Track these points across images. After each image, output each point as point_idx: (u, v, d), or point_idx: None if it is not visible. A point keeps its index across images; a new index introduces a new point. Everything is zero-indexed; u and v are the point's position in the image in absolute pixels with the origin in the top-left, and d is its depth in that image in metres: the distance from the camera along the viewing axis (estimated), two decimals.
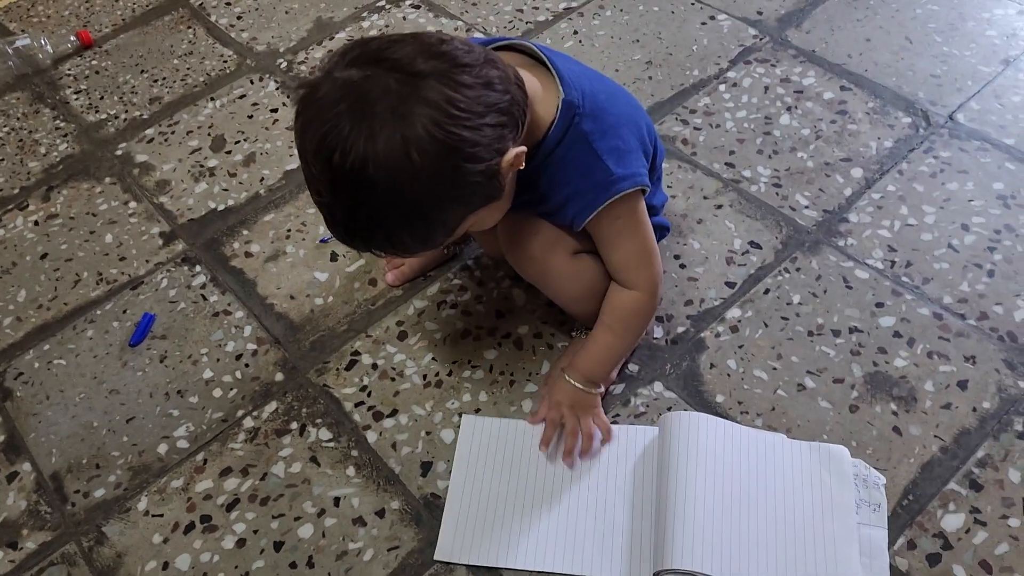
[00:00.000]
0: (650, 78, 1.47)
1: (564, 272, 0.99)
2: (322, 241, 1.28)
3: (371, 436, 1.05)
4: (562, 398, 1.01)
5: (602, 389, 1.03)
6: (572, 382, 1.00)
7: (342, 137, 0.75)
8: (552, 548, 0.93)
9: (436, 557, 0.94)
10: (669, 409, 1.03)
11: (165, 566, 0.97)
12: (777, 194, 1.26)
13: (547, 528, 0.95)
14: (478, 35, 1.61)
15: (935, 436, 0.98)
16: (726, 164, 1.31)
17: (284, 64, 1.61)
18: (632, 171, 0.91)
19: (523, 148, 0.84)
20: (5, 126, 1.56)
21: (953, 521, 0.92)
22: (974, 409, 1.00)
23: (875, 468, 0.95)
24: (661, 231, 1.13)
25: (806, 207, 1.23)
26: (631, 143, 0.93)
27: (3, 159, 1.50)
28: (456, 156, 0.77)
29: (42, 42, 1.66)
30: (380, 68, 0.76)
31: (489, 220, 0.91)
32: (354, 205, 0.79)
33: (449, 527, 0.96)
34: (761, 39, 1.51)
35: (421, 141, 0.75)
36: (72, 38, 1.69)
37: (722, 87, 1.43)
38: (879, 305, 1.11)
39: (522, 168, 0.86)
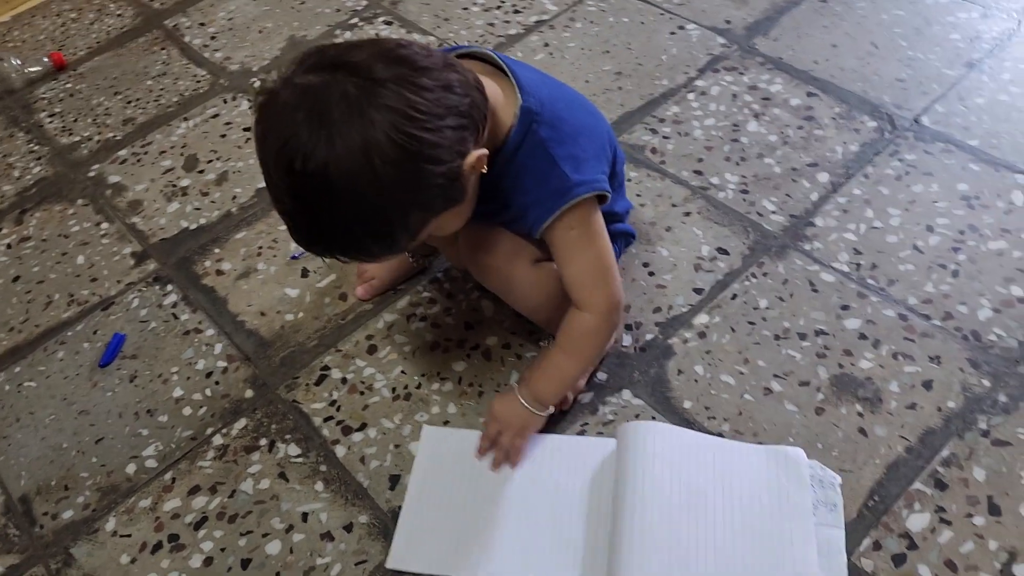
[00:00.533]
0: (620, 88, 1.48)
1: (526, 281, 1.00)
2: (293, 258, 1.28)
3: (340, 451, 1.05)
4: (505, 414, 1.00)
5: (551, 410, 1.01)
6: (521, 400, 0.99)
7: (301, 143, 0.75)
8: (506, 559, 0.93)
9: (388, 565, 0.94)
10: (637, 416, 1.04)
11: None
12: (745, 200, 1.26)
13: (502, 539, 0.94)
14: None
15: (900, 436, 0.98)
16: (694, 172, 1.32)
17: (257, 83, 1.62)
18: (589, 177, 0.91)
19: (485, 151, 0.84)
20: None
21: (919, 521, 0.92)
22: (939, 409, 1.00)
23: (832, 469, 0.95)
24: (626, 238, 1.14)
25: (773, 212, 1.24)
26: (588, 151, 0.93)
27: None
28: (417, 159, 0.77)
29: (13, 61, 1.67)
30: (339, 73, 0.76)
31: (452, 224, 0.91)
32: (315, 211, 0.79)
33: (403, 535, 0.96)
34: (729, 47, 1.52)
35: (381, 144, 0.75)
36: (45, 59, 1.70)
37: (691, 96, 1.44)
38: (845, 308, 1.11)
39: (485, 172, 0.86)
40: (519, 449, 1.00)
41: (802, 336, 1.09)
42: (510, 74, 0.91)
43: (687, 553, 0.87)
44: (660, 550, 0.87)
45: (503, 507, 0.97)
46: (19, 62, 1.68)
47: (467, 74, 0.83)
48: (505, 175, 0.91)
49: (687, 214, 1.26)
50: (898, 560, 0.89)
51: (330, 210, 0.79)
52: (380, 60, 0.77)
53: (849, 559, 0.89)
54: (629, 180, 1.31)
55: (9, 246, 1.38)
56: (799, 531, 0.88)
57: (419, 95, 0.77)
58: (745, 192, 1.27)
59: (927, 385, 1.03)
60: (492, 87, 0.89)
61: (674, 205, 1.27)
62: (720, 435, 1.01)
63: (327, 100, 0.75)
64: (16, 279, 1.33)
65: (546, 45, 1.59)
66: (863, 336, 1.08)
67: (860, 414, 1.01)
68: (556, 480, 0.98)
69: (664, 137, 1.38)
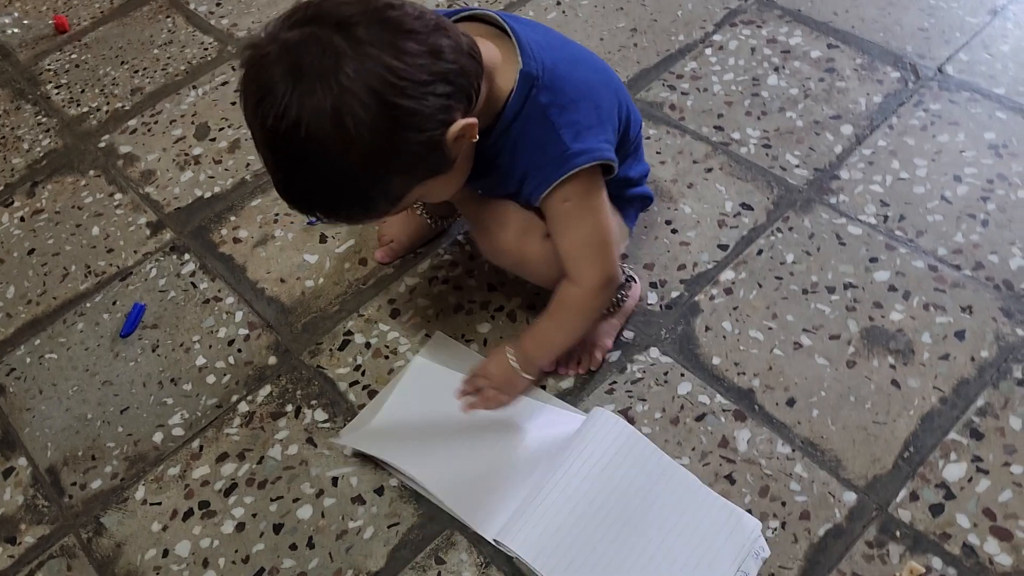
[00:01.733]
0: (635, 45, 1.45)
1: (539, 257, 0.97)
2: (309, 223, 1.27)
3: None
4: (493, 370, 1.01)
5: (533, 378, 1.01)
6: (509, 359, 0.99)
7: (276, 99, 0.73)
8: (440, 474, 0.95)
9: (335, 439, 1.01)
10: (666, 375, 1.03)
11: (165, 553, 0.96)
12: (767, 155, 1.24)
13: (445, 456, 0.97)
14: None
15: (934, 387, 0.97)
16: (715, 127, 1.29)
17: None
18: (589, 146, 0.88)
19: (473, 120, 0.81)
20: None
21: (955, 471, 0.91)
22: (972, 359, 0.99)
23: (863, 425, 0.94)
24: (643, 200, 1.11)
25: (797, 166, 1.22)
26: (592, 118, 0.90)
27: None
28: (393, 125, 0.75)
29: (11, 16, 1.64)
30: (321, 30, 0.74)
31: (441, 192, 0.90)
32: (290, 169, 0.78)
33: (363, 419, 1.02)
34: (746, 1, 1.49)
35: (355, 108, 0.73)
36: (48, 22, 1.67)
37: (708, 51, 1.42)
38: (873, 260, 1.10)
39: (476, 140, 0.83)
40: (496, 401, 1.01)
41: (831, 290, 1.08)
42: (512, 36, 0.88)
43: (574, 547, 0.88)
44: (546, 532, 0.88)
45: (463, 432, 1.00)
46: (18, 16, 1.64)
47: (460, 39, 0.80)
48: (504, 142, 0.89)
49: (709, 170, 1.24)
50: (936, 510, 0.89)
51: (304, 169, 0.78)
52: (365, 19, 0.75)
53: (886, 510, 0.89)
54: (648, 138, 1.29)
55: (22, 219, 1.37)
56: None
57: (400, 59, 0.74)
58: (767, 146, 1.25)
59: (959, 335, 1.01)
60: (491, 51, 0.86)
61: (695, 162, 1.25)
62: (750, 391, 1.00)
63: (304, 59, 0.73)
64: (31, 252, 1.32)
65: (558, 3, 1.56)
66: (893, 288, 1.07)
67: (892, 366, 1.00)
68: (519, 432, 0.99)
69: (682, 93, 1.36)
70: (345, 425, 1.04)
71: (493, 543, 0.91)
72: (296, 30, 0.75)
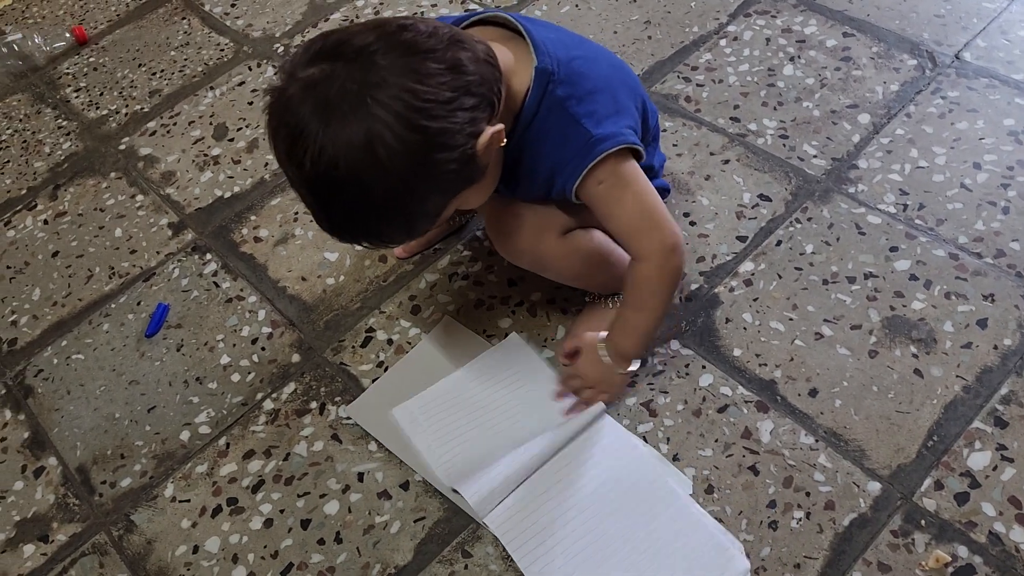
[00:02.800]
0: (649, 37, 1.45)
1: (558, 255, 0.97)
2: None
3: None
4: (587, 369, 1.00)
5: (635, 366, 0.99)
6: (604, 357, 0.98)
7: (308, 140, 0.74)
8: (451, 461, 0.98)
9: (344, 412, 1.05)
10: (687, 367, 1.03)
11: (195, 550, 0.98)
12: (784, 145, 1.24)
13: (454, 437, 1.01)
14: (473, 6, 1.60)
15: (957, 376, 0.97)
16: (731, 119, 1.29)
17: (281, 49, 1.60)
18: (613, 131, 0.88)
19: (500, 126, 0.81)
20: (8, 128, 1.57)
21: (980, 459, 0.91)
22: (995, 347, 0.99)
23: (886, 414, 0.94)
24: (662, 192, 1.11)
25: (814, 156, 1.22)
26: (610, 107, 0.90)
27: (8, 161, 1.51)
28: (425, 148, 0.76)
29: (36, 39, 1.66)
30: (340, 64, 0.75)
31: (476, 199, 0.90)
32: (330, 205, 0.79)
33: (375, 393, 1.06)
34: None
35: (385, 136, 0.74)
36: (67, 35, 1.69)
37: (723, 42, 1.41)
38: (893, 249, 1.10)
39: (504, 144, 0.84)
40: (597, 400, 1.00)
41: (851, 280, 1.08)
42: (526, 35, 0.88)
43: (565, 538, 0.90)
44: (515, 501, 0.93)
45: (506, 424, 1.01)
46: (41, 40, 1.67)
47: (476, 48, 0.80)
48: (525, 141, 0.89)
49: (726, 162, 1.24)
50: (961, 499, 0.89)
51: (342, 202, 0.78)
52: (382, 47, 0.75)
53: (911, 499, 0.89)
54: (664, 131, 1.29)
55: (46, 222, 1.39)
56: None
57: (423, 83, 0.75)
58: (784, 137, 1.25)
59: (982, 324, 1.01)
60: (504, 53, 0.86)
61: (712, 153, 1.25)
62: (772, 382, 1.00)
63: (329, 94, 0.74)
64: (55, 254, 1.33)
65: None
66: (914, 277, 1.07)
67: (915, 355, 1.00)
68: (553, 431, 0.99)
69: (698, 85, 1.36)
70: (376, 447, 1.04)
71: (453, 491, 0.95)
72: (315, 67, 0.75)
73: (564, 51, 0.89)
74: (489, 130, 0.80)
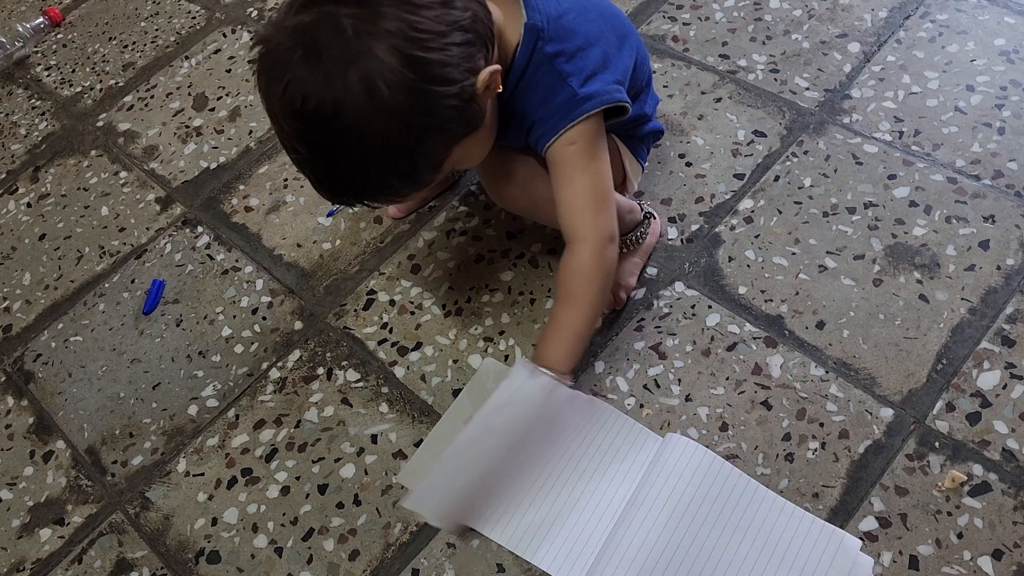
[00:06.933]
0: None
1: (549, 199, 0.95)
2: (329, 215, 1.23)
3: (399, 371, 1.05)
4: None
5: (570, 380, 0.92)
6: (543, 373, 0.89)
7: (304, 85, 0.72)
8: (509, 519, 0.90)
9: (398, 479, 0.96)
10: (693, 308, 1.03)
11: (214, 522, 0.98)
12: (776, 80, 1.23)
13: (510, 498, 0.91)
14: None
15: (962, 299, 0.98)
16: (720, 56, 1.28)
17: (255, 13, 1.56)
18: (598, 89, 0.87)
19: (497, 67, 0.80)
20: None
21: (989, 379, 0.92)
22: (998, 267, 0.99)
23: (895, 341, 0.94)
24: (655, 135, 1.10)
25: (807, 89, 1.21)
26: (598, 62, 0.89)
27: None
28: (425, 80, 0.74)
29: (19, 28, 1.61)
30: (329, 5, 0.73)
31: (476, 153, 0.89)
32: (331, 155, 0.77)
33: (419, 460, 0.96)
34: None
35: (385, 71, 0.72)
36: (41, 20, 1.63)
37: None
38: (891, 177, 1.09)
39: (500, 91, 0.83)
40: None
41: (851, 210, 1.07)
42: None
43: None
44: (640, 569, 0.82)
45: (518, 466, 0.91)
46: (23, 28, 1.61)
47: None
48: (515, 96, 0.88)
49: (718, 100, 1.22)
50: (973, 419, 0.89)
51: (345, 150, 0.76)
52: None
53: (923, 423, 0.90)
54: (654, 72, 1.27)
55: (29, 204, 1.36)
56: None
57: (417, 14, 0.73)
58: (775, 71, 1.24)
59: (984, 245, 1.01)
60: (494, 10, 0.85)
61: (703, 92, 1.24)
62: (779, 317, 1.00)
63: (322, 36, 0.72)
64: (42, 237, 1.31)
65: None
66: (913, 203, 1.06)
67: (919, 281, 1.00)
68: (587, 461, 0.92)
69: (684, 24, 1.33)
70: (387, 408, 1.04)
71: None
72: (304, 13, 0.73)
73: (555, 5, 0.88)
74: (488, 68, 0.79)
